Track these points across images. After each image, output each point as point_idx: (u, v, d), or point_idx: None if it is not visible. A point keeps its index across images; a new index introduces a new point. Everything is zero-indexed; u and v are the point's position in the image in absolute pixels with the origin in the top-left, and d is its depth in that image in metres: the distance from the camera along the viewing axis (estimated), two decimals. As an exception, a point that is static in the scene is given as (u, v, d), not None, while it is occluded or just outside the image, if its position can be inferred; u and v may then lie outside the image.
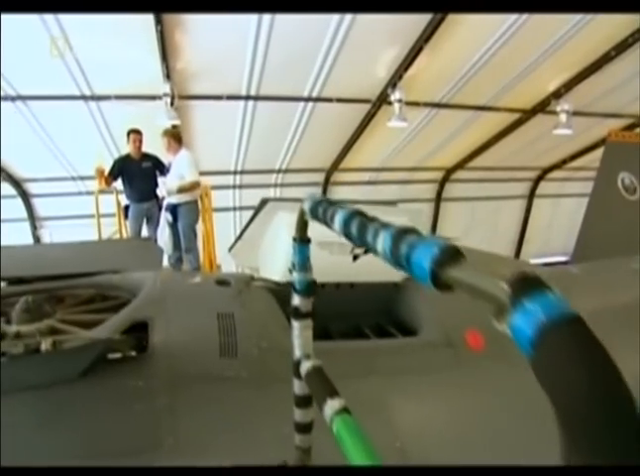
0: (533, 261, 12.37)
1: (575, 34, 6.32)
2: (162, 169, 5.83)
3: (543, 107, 7.94)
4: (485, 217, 11.56)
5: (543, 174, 11.27)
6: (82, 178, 7.85)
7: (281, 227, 2.67)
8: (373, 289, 2.98)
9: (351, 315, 3.01)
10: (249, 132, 7.61)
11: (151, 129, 6.53)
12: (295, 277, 1.45)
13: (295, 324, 1.52)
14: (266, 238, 2.72)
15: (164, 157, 5.81)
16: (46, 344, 1.68)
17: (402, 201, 10.68)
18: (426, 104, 7.54)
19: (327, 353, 2.41)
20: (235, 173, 8.84)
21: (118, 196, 5.79)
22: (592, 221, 5.08)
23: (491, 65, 6.75)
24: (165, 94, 5.91)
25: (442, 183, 10.76)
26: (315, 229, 2.75)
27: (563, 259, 12.85)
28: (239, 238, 2.72)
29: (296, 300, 1.50)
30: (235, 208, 9.45)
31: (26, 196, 7.82)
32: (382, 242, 0.92)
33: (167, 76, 5.93)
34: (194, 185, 5.27)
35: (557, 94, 7.60)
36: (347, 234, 1.04)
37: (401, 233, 0.88)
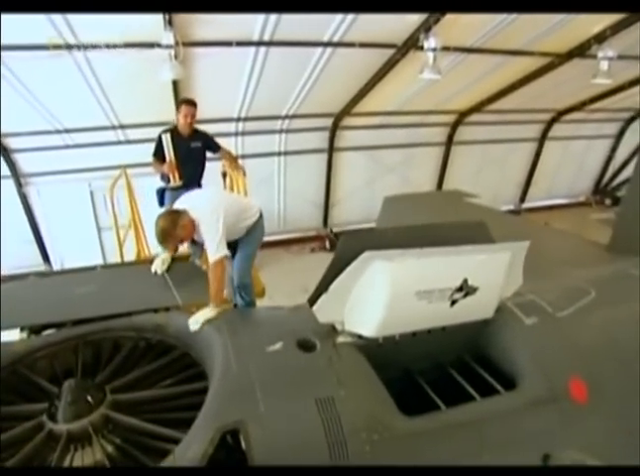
0: (537, 203, 12.25)
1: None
2: (213, 148, 4.80)
3: (582, 51, 7.19)
4: (495, 160, 11.11)
5: (558, 116, 10.68)
6: (68, 131, 7.00)
7: (377, 276, 2.27)
8: (462, 328, 2.68)
9: (437, 355, 2.74)
10: (257, 79, 6.73)
11: (151, 83, 5.72)
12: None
13: None
14: (357, 288, 2.32)
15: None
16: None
17: (413, 146, 10.14)
18: (456, 49, 6.72)
19: (432, 433, 2.15)
20: (238, 120, 8.02)
21: (127, 177, 4.94)
22: (637, 200, 4.65)
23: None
24: (169, 46, 5.01)
25: (454, 127, 10.12)
26: (411, 278, 2.36)
27: (565, 201, 12.76)
28: (323, 291, 2.30)
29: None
30: (237, 157, 8.72)
31: (7, 152, 6.95)
32: None
33: (169, 22, 4.98)
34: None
35: (599, 38, 6.84)
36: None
37: None
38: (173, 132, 4.52)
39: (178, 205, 3.01)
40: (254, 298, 3.45)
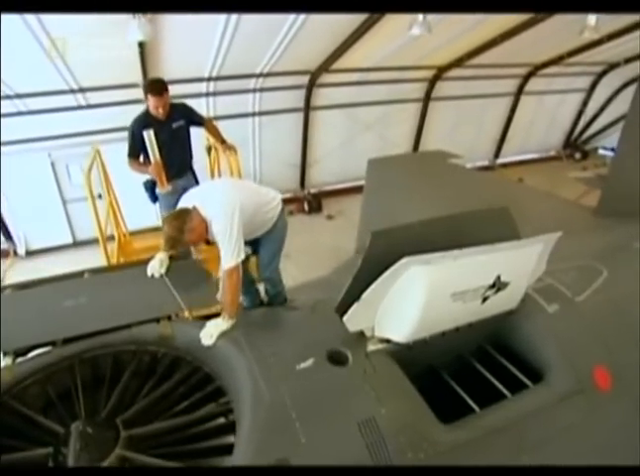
0: (510, 159, 12.29)
1: None
2: (198, 122, 4.07)
3: (568, 5, 6.93)
4: (471, 116, 10.94)
5: (535, 70, 10.51)
6: (20, 96, 6.28)
7: (414, 281, 2.13)
8: (487, 321, 2.60)
9: (461, 349, 2.67)
10: (231, 35, 6.15)
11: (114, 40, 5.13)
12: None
13: None
14: (391, 294, 2.17)
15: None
16: None
17: (390, 103, 9.80)
18: (444, 2, 6.31)
19: (474, 442, 2.08)
20: (209, 79, 7.43)
21: (102, 160, 4.37)
22: (627, 163, 4.64)
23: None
24: (136, 1, 4.40)
25: (433, 82, 9.80)
26: (448, 280, 2.22)
27: (536, 156, 12.86)
28: (356, 299, 2.14)
29: None
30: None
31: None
32: None
33: (134, -27, 4.36)
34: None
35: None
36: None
37: None
38: (147, 118, 3.72)
39: (188, 201, 2.63)
40: (283, 291, 3.18)
